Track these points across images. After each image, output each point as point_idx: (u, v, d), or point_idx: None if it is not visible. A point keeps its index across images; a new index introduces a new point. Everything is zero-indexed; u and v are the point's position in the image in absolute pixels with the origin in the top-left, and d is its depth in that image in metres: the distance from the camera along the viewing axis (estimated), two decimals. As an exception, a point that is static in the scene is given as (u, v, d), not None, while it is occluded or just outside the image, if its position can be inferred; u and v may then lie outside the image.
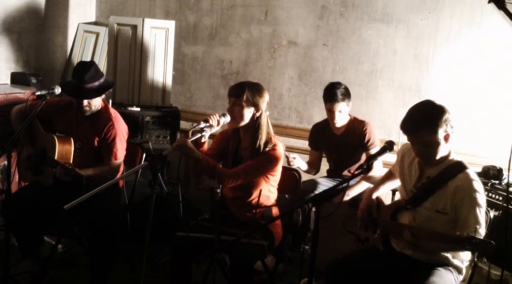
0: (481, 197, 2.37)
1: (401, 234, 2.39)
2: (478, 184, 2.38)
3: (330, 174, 3.88)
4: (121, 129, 3.23)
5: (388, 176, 2.82)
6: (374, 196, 2.73)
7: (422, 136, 2.34)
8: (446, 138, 2.38)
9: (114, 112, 3.27)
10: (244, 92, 2.75)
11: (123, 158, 3.26)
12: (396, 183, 2.79)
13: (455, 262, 2.47)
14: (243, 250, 2.51)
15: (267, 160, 2.79)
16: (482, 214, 2.35)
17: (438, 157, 2.42)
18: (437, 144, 2.36)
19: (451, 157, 2.45)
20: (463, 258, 2.50)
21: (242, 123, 2.80)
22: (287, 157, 3.60)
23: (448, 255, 2.45)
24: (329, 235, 3.32)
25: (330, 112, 3.59)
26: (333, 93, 3.53)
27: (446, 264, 2.46)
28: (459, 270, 2.49)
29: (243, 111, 2.76)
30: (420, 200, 2.47)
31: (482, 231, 2.30)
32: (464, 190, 2.36)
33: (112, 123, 3.18)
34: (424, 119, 2.35)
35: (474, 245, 2.13)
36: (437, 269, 2.42)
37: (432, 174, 2.46)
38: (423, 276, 2.37)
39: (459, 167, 2.43)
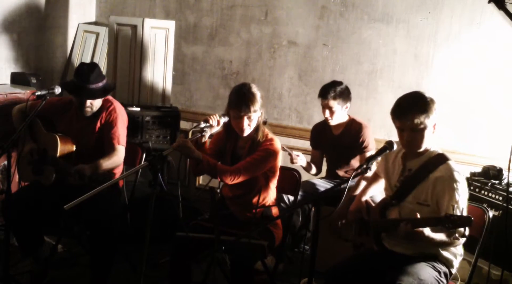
0: (462, 187, 2.37)
1: (394, 229, 2.38)
2: (459, 175, 2.39)
3: (327, 175, 3.88)
4: (122, 115, 3.23)
5: (374, 178, 2.82)
6: (363, 199, 2.73)
7: (414, 119, 2.36)
8: (434, 127, 2.42)
9: (112, 99, 3.28)
10: (250, 105, 2.75)
11: (125, 145, 3.22)
12: (382, 184, 2.79)
13: (445, 254, 2.47)
14: (243, 250, 2.51)
15: (266, 155, 2.80)
16: (464, 203, 2.34)
17: (422, 148, 2.44)
18: (425, 130, 2.39)
19: (432, 149, 2.47)
20: (456, 252, 2.50)
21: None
22: (290, 155, 3.61)
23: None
24: (329, 235, 3.31)
25: (323, 108, 3.63)
26: (326, 90, 3.57)
27: (435, 257, 2.46)
28: (449, 263, 2.48)
29: (255, 121, 2.81)
30: (404, 194, 2.49)
31: (465, 213, 2.24)
32: (445, 181, 2.37)
33: (113, 107, 3.19)
34: (417, 103, 2.40)
35: (453, 222, 2.15)
36: (419, 263, 2.42)
37: (414, 166, 2.48)
38: (401, 270, 2.38)
39: (441, 158, 2.44)
